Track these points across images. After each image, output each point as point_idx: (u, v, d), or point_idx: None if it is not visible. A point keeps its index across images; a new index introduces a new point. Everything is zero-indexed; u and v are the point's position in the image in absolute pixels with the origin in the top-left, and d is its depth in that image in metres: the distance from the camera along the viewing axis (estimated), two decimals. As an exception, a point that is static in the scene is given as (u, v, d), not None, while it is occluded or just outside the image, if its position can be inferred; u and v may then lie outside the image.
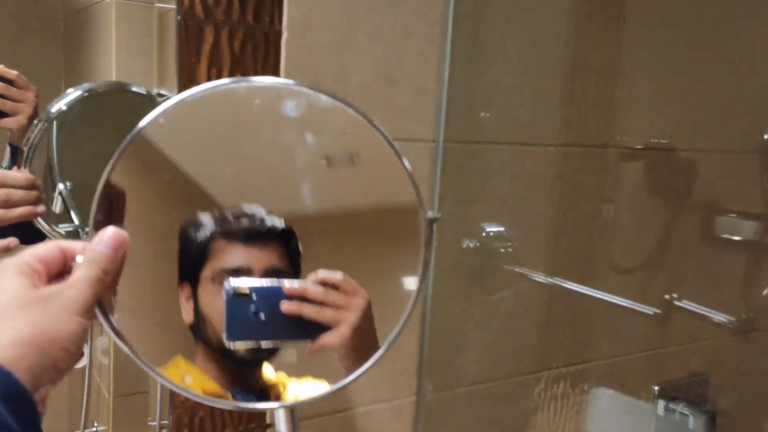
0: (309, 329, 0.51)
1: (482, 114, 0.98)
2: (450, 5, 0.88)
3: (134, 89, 0.92)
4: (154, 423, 0.79)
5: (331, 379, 0.54)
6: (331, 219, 0.56)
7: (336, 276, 0.52)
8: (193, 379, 0.51)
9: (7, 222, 0.79)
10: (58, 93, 0.90)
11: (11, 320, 0.40)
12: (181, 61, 0.73)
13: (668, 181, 1.21)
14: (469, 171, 0.97)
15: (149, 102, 0.91)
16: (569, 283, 1.08)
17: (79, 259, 0.44)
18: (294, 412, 0.51)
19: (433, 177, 0.91)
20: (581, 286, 1.09)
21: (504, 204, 1.02)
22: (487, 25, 0.96)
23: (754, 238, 1.27)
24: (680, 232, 1.24)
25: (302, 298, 0.52)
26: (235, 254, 0.53)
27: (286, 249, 0.54)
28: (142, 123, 0.48)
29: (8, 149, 0.86)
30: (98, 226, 0.46)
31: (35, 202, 0.82)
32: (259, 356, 0.53)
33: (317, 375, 0.54)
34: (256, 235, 0.53)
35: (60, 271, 0.45)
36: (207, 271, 0.53)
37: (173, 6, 0.74)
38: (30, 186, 0.82)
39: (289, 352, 0.53)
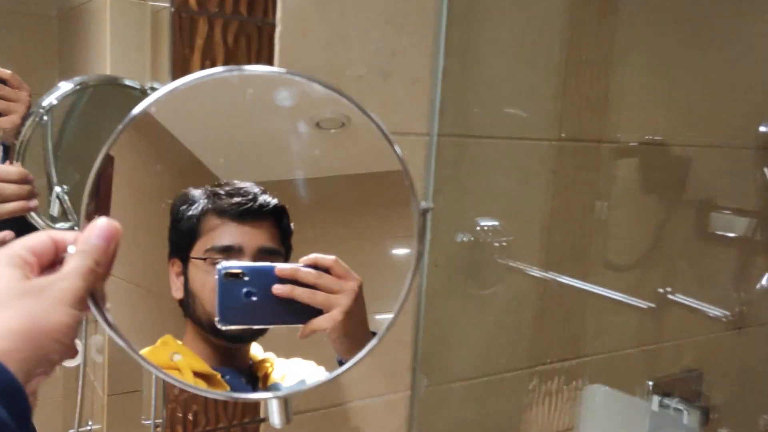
0: (301, 312, 0.51)
1: (476, 108, 0.98)
2: (444, -1, 0.88)
3: (127, 82, 0.92)
4: (148, 422, 0.79)
5: (319, 360, 0.54)
6: (323, 201, 0.56)
7: (328, 259, 0.52)
8: (182, 358, 0.51)
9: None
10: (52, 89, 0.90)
11: (3, 311, 0.39)
12: (175, 53, 0.73)
13: (662, 177, 1.21)
14: (463, 165, 0.97)
15: (141, 95, 0.91)
16: (563, 277, 1.08)
17: (71, 250, 0.44)
18: (287, 402, 0.51)
19: (427, 171, 0.90)
20: (575, 280, 1.09)
21: (498, 198, 1.01)
22: (481, 19, 0.96)
23: (748, 235, 1.28)
24: (674, 229, 1.24)
25: (294, 280, 0.51)
26: (228, 232, 0.53)
27: (278, 228, 0.54)
28: (135, 111, 0.48)
29: (0, 148, 0.86)
30: (90, 216, 0.46)
31: (28, 197, 0.82)
32: (248, 335, 0.53)
33: (306, 355, 0.54)
34: (248, 213, 0.53)
35: (52, 262, 0.44)
36: (198, 248, 0.52)
37: (166, 5, 0.74)
38: (22, 180, 0.81)
39: (279, 330, 0.53)
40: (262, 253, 0.53)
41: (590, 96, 1.07)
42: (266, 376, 0.54)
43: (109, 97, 0.92)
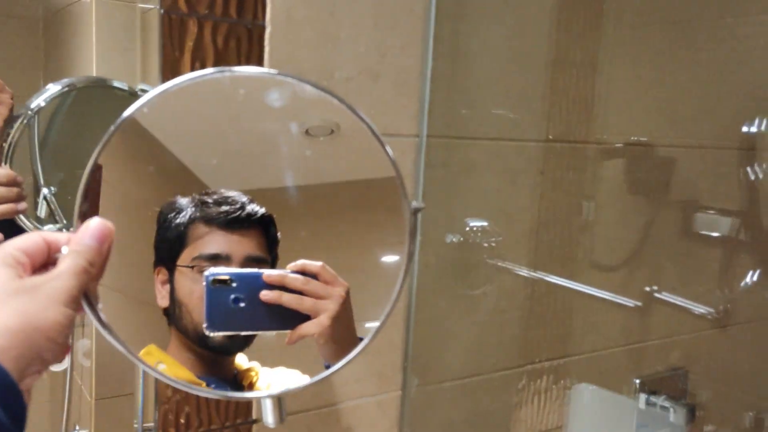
0: (288, 318, 0.52)
1: (465, 109, 0.98)
2: (432, 0, 0.89)
3: (115, 84, 0.91)
4: (147, 424, 0.78)
5: (303, 369, 0.54)
6: (312, 206, 0.56)
7: (315, 265, 0.52)
8: (167, 368, 0.51)
9: None
10: (37, 91, 0.89)
11: None
12: (165, 55, 0.73)
13: (648, 177, 1.23)
14: (452, 166, 0.97)
15: (130, 97, 0.91)
16: (552, 276, 1.09)
17: (64, 250, 0.44)
18: (281, 401, 0.51)
19: (416, 172, 0.91)
20: (563, 279, 1.10)
21: (487, 199, 1.02)
22: (469, 21, 0.96)
23: (731, 235, 1.29)
24: (660, 229, 1.25)
25: (282, 287, 0.51)
26: (215, 240, 0.52)
27: (266, 237, 0.54)
28: (127, 112, 0.48)
29: None
30: (83, 217, 0.46)
31: (17, 200, 0.81)
32: (234, 345, 0.53)
33: (290, 364, 0.54)
34: (236, 221, 0.53)
35: (44, 263, 0.44)
36: (185, 257, 0.52)
37: (153, 6, 0.74)
38: (10, 183, 0.80)
39: (263, 341, 0.53)
40: (249, 262, 0.53)
41: (577, 97, 1.08)
42: (251, 385, 0.54)
43: (94, 98, 0.92)
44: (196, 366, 0.53)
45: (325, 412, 0.88)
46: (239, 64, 0.77)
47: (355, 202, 0.57)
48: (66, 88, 0.90)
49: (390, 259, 0.56)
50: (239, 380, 0.55)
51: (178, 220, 0.52)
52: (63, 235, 0.45)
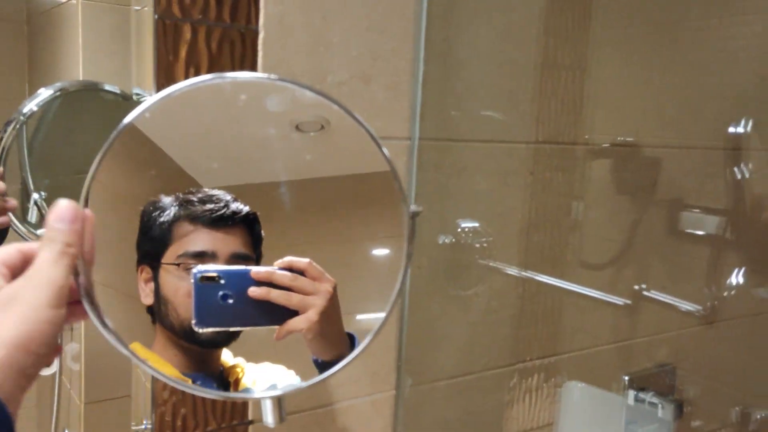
0: (277, 314, 0.52)
1: (456, 112, 0.99)
2: (423, 4, 0.90)
3: (107, 88, 0.91)
4: (138, 427, 0.78)
5: (289, 365, 0.54)
6: (302, 202, 0.56)
7: (302, 262, 0.53)
8: (153, 366, 0.51)
9: None
10: (21, 97, 0.89)
11: None
12: (159, 60, 0.73)
13: (634, 178, 1.24)
14: (444, 168, 0.98)
15: (118, 102, 0.91)
16: (542, 276, 1.10)
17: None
18: (281, 401, 0.52)
19: (409, 174, 0.92)
20: (554, 279, 1.11)
21: (478, 200, 1.03)
22: (459, 24, 0.98)
23: (718, 233, 1.31)
24: (647, 228, 1.27)
25: (270, 283, 0.52)
26: (201, 238, 0.53)
27: (250, 235, 0.54)
28: (130, 117, 0.48)
29: None
30: None
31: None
32: (222, 339, 0.53)
33: (275, 360, 0.55)
34: (221, 219, 0.53)
35: (22, 273, 0.43)
36: (170, 255, 0.53)
37: (140, 7, 0.74)
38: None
39: (249, 336, 0.54)
40: (235, 259, 0.53)
41: (565, 99, 1.09)
42: (237, 381, 0.55)
43: (81, 103, 0.92)
44: (182, 363, 0.53)
45: (319, 412, 0.89)
46: (233, 68, 0.77)
47: (347, 198, 0.58)
48: (58, 92, 0.90)
49: (381, 253, 0.57)
50: (225, 377, 0.55)
51: (162, 219, 0.52)
52: (37, 244, 0.44)
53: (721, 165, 1.29)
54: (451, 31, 0.96)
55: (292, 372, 0.55)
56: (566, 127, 1.11)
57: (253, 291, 0.51)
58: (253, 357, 0.55)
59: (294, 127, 0.55)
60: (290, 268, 0.53)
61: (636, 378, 1.23)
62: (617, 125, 1.20)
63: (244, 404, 0.81)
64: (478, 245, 1.02)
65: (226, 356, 0.55)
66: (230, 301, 0.51)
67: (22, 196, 0.91)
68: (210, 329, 0.51)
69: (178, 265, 0.52)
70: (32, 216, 0.92)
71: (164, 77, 0.73)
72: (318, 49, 0.82)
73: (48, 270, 0.42)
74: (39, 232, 0.89)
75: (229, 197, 0.53)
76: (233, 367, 0.55)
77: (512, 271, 1.08)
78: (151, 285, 0.52)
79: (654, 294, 1.23)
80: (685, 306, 1.24)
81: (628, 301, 1.21)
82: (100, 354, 0.91)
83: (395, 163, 0.55)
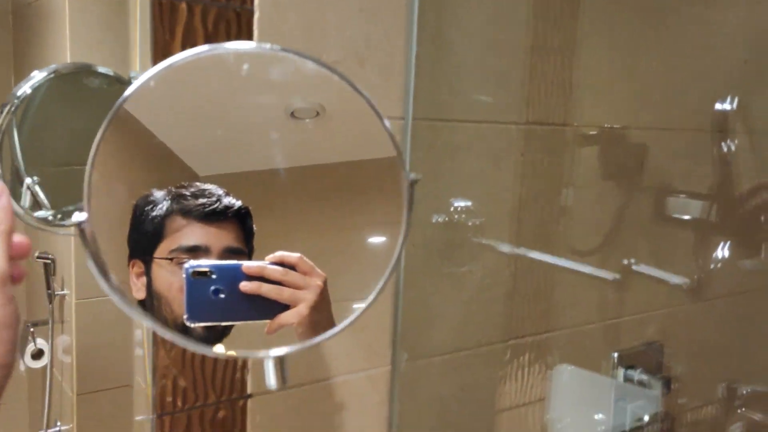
0: (268, 308, 0.53)
1: (448, 92, 1.01)
2: (416, -14, 0.91)
3: (101, 70, 0.91)
4: (141, 417, 0.78)
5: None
6: (298, 190, 0.56)
7: (293, 256, 0.53)
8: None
9: None
10: (8, 87, 0.89)
11: None
12: (156, 39, 0.74)
13: (621, 163, 1.26)
14: (436, 148, 1.00)
15: (117, 83, 0.91)
16: (534, 252, 1.12)
17: None
18: (283, 363, 0.53)
19: (403, 153, 0.93)
20: (545, 255, 1.13)
21: (471, 180, 1.05)
22: (451, 6, 0.99)
23: (703, 217, 1.33)
24: (633, 214, 1.29)
25: (261, 277, 0.53)
26: (193, 233, 0.53)
27: (242, 229, 0.55)
28: (131, 90, 0.48)
29: None
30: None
31: None
32: (212, 337, 0.54)
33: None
34: (214, 214, 0.53)
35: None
36: (162, 249, 0.53)
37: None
38: None
39: (240, 331, 0.54)
40: (227, 253, 0.54)
41: (555, 81, 1.11)
42: None
43: (73, 85, 0.91)
44: None
45: (316, 387, 0.90)
46: (230, 47, 0.78)
47: (341, 185, 0.58)
48: (52, 74, 0.90)
49: (377, 240, 0.58)
50: None
51: (154, 213, 0.52)
52: None
53: (708, 145, 1.31)
54: (443, 13, 0.98)
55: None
56: (556, 108, 1.12)
57: (245, 286, 0.52)
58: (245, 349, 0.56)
59: (289, 114, 0.55)
60: (281, 263, 0.53)
61: (624, 356, 1.26)
62: (604, 109, 1.21)
63: (243, 378, 0.82)
64: (470, 224, 1.04)
65: (219, 350, 0.55)
66: (222, 295, 0.51)
67: (14, 180, 0.91)
68: (201, 324, 0.52)
69: (171, 259, 0.53)
70: (25, 201, 0.92)
71: (161, 56, 0.74)
72: (312, 30, 0.83)
73: None
74: (36, 214, 0.89)
75: (221, 191, 0.54)
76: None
77: (505, 248, 1.09)
78: (143, 279, 0.53)
79: (643, 268, 1.25)
80: (674, 279, 1.26)
81: (617, 276, 1.23)
82: (91, 346, 0.91)
83: (389, 142, 0.56)
